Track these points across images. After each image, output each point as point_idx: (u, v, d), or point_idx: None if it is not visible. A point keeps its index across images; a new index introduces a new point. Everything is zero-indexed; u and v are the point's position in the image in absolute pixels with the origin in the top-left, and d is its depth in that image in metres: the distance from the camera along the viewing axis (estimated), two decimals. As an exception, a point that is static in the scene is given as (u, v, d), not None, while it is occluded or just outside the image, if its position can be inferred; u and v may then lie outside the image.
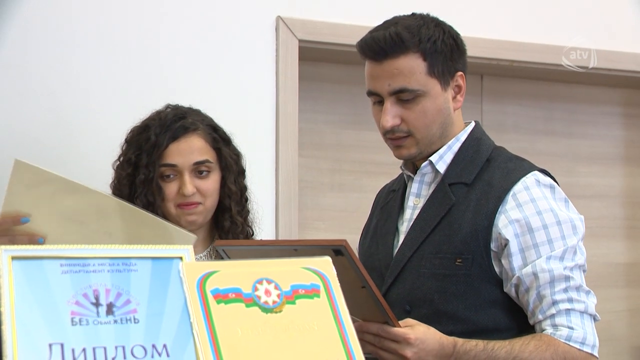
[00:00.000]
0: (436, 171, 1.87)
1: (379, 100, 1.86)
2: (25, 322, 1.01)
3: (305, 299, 1.19)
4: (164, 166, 2.04)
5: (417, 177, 1.90)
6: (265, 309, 1.16)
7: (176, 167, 2.04)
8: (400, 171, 2.01)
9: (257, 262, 1.21)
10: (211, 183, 2.06)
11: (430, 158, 1.86)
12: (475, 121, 1.94)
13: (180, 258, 1.15)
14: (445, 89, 1.84)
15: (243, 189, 2.15)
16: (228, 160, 2.10)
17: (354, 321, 1.56)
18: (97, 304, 1.07)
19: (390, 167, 2.64)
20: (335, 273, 1.24)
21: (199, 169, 2.05)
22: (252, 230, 2.17)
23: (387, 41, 1.80)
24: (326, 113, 3.18)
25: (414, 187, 1.90)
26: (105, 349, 1.05)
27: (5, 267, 1.03)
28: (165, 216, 2.07)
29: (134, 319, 1.09)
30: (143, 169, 2.04)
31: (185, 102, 2.18)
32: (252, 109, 2.85)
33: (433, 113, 1.82)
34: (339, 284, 1.23)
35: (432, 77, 1.82)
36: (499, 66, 3.24)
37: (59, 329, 1.03)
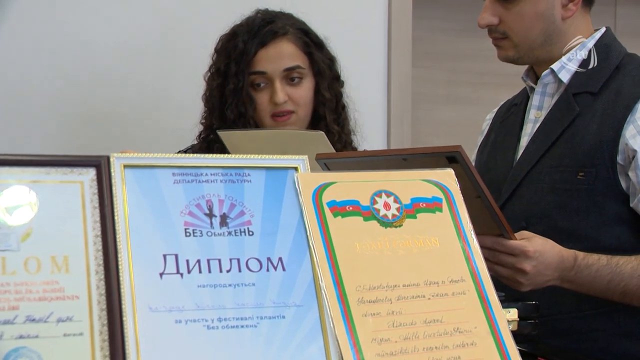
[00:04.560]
0: (559, 81, 1.84)
1: None
2: (140, 232, 1.03)
3: (427, 213, 1.18)
4: (254, 74, 2.02)
5: (538, 88, 1.87)
6: (384, 223, 1.15)
7: (266, 75, 2.02)
8: (524, 85, 1.97)
9: (376, 174, 1.19)
10: (304, 90, 2.04)
11: (552, 66, 1.83)
12: (606, 27, 1.88)
13: (296, 169, 1.15)
14: None
15: (338, 95, 2.11)
16: (321, 65, 2.05)
17: None
18: (210, 215, 1.08)
19: (511, 78, 2.57)
20: (459, 186, 1.21)
21: (290, 76, 2.02)
22: (352, 140, 2.15)
23: None
24: (442, 20, 3.11)
25: (535, 100, 1.88)
26: (219, 261, 1.06)
27: (119, 175, 1.05)
28: (260, 127, 2.06)
29: (249, 231, 1.09)
30: (232, 78, 2.03)
31: (291, 8, 2.15)
32: (362, 16, 2.80)
33: (532, 17, 1.80)
34: (462, 198, 1.21)
35: None
36: (634, -35, 3.08)
37: (173, 240, 1.05)
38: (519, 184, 1.81)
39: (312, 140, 1.63)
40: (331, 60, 2.11)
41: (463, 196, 1.36)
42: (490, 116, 2.09)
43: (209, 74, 2.11)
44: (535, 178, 1.79)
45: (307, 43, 2.06)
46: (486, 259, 1.54)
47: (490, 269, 1.55)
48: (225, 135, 1.80)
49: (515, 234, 1.58)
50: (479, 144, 2.06)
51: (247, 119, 2.03)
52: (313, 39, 2.08)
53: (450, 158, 1.37)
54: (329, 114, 2.07)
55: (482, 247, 1.53)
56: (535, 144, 1.82)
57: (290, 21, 2.07)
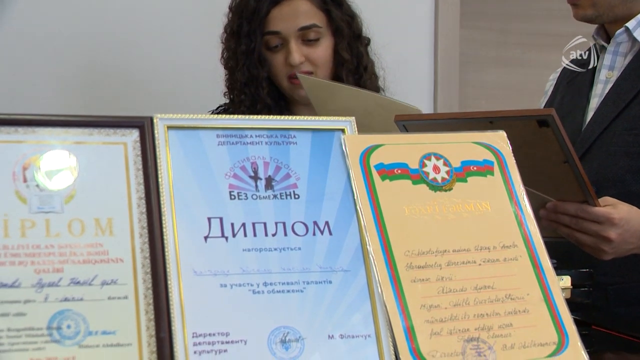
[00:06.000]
0: (633, 40, 1.81)
1: None
2: (184, 195, 1.04)
3: (478, 177, 1.17)
4: (268, 34, 1.99)
5: (610, 48, 1.84)
6: (434, 187, 1.14)
7: (280, 35, 1.98)
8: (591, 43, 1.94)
9: (425, 136, 1.19)
10: (322, 50, 2.00)
11: (627, 24, 1.79)
12: None
13: (342, 130, 1.15)
14: None
15: (359, 55, 2.05)
16: (339, 23, 2.01)
17: (546, 201, 1.53)
18: (255, 178, 1.09)
19: (564, 39, 2.53)
20: (511, 149, 1.20)
21: (306, 35, 1.98)
22: None
23: None
24: (491, -22, 3.08)
25: (606, 59, 1.85)
26: (265, 224, 1.07)
27: (162, 137, 1.05)
28: (276, 92, 2.03)
29: (294, 194, 1.10)
30: (244, 38, 1.99)
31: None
32: (408, -25, 2.77)
33: None
34: (514, 161, 1.19)
35: None
36: None
37: (217, 203, 1.06)
38: (589, 147, 1.78)
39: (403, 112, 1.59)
40: (351, 17, 2.05)
41: (548, 162, 1.35)
42: (554, 76, 2.05)
43: (224, 35, 2.09)
44: (607, 141, 1.76)
45: (325, 0, 2.01)
46: (567, 226, 1.54)
47: (570, 237, 1.54)
48: (307, 80, 1.78)
49: (599, 200, 1.56)
50: (542, 105, 2.03)
51: (259, 81, 2.00)
52: None
53: (542, 121, 1.36)
54: (347, 76, 2.02)
55: (565, 214, 1.52)
56: (607, 106, 1.79)
57: None
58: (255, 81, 2.00)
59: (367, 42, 2.10)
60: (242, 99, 2.02)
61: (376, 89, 2.10)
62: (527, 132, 1.36)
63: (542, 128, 1.36)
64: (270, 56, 2.01)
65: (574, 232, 1.54)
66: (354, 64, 2.03)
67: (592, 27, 1.92)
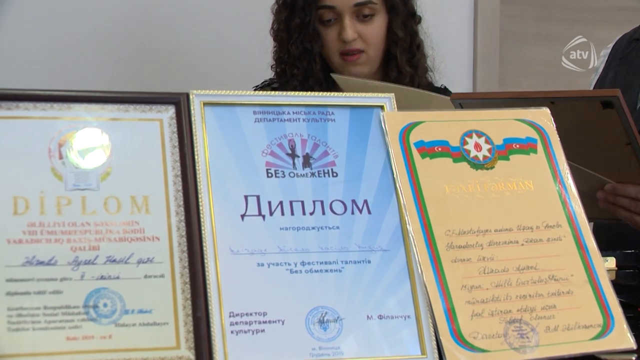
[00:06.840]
0: None
1: None
2: (220, 172, 1.04)
3: (520, 155, 1.16)
4: (322, 8, 1.98)
5: None
6: (475, 165, 1.13)
7: (335, 9, 1.98)
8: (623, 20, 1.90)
9: (466, 113, 1.18)
10: (375, 28, 1.99)
11: None
12: None
13: (382, 107, 1.14)
14: None
15: (413, 34, 2.05)
16: (395, 1, 2.00)
17: (604, 183, 1.51)
18: (293, 155, 1.08)
19: (609, 14, 2.50)
20: (555, 126, 1.19)
21: (361, 12, 1.98)
22: (429, 79, 2.10)
23: None
24: (533, -49, 3.03)
25: None
26: (302, 203, 1.06)
27: (198, 114, 1.05)
28: (328, 67, 2.04)
29: (332, 172, 1.09)
30: (299, 12, 1.99)
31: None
32: (447, -52, 2.75)
33: None
34: (558, 138, 1.18)
35: None
36: None
37: (254, 181, 1.05)
38: None
39: (436, 103, 1.59)
40: None
41: (610, 143, 1.33)
42: (605, 52, 2.02)
43: (276, 6, 2.10)
44: None
45: None
46: (626, 209, 1.52)
47: (629, 220, 1.52)
48: (342, 80, 1.79)
49: None
50: (593, 83, 2.00)
51: (312, 56, 2.00)
52: None
53: (606, 103, 1.34)
54: (401, 55, 2.02)
55: (624, 196, 1.50)
56: None
57: None
58: (308, 55, 2.00)
59: (419, 20, 2.09)
60: (294, 73, 2.02)
61: (425, 69, 2.09)
62: (590, 113, 1.34)
63: (606, 109, 1.34)
64: (323, 30, 2.02)
65: (633, 215, 1.51)
66: (407, 42, 2.03)
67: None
